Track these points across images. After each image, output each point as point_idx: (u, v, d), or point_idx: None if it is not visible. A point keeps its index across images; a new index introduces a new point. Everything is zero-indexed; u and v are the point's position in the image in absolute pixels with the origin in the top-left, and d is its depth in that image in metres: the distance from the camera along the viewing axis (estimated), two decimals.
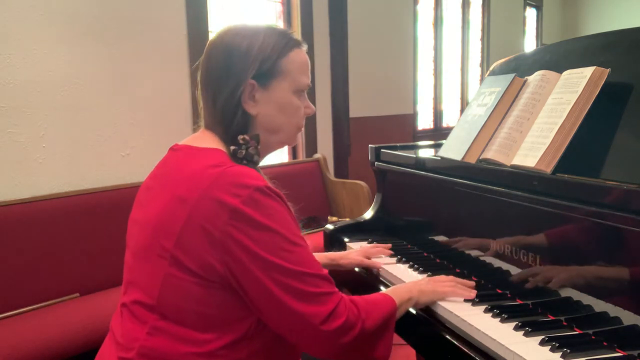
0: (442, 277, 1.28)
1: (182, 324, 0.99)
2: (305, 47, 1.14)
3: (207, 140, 1.09)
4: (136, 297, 1.03)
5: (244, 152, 1.05)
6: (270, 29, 1.10)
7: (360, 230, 1.82)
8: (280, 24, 3.86)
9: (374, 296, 1.13)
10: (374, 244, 1.65)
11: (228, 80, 1.06)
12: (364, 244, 1.71)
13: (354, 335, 1.01)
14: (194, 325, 0.99)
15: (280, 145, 1.18)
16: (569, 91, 1.18)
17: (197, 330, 0.99)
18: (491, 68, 1.68)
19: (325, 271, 1.04)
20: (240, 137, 1.06)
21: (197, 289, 0.98)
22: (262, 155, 1.13)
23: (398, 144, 1.89)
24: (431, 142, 2.16)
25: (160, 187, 1.07)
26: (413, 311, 1.21)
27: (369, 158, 1.89)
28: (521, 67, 1.52)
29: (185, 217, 0.97)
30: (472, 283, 1.26)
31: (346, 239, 1.77)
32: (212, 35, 1.14)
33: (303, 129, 1.21)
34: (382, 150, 1.85)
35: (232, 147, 1.06)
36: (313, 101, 1.20)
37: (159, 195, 1.05)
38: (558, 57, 1.41)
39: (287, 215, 1.02)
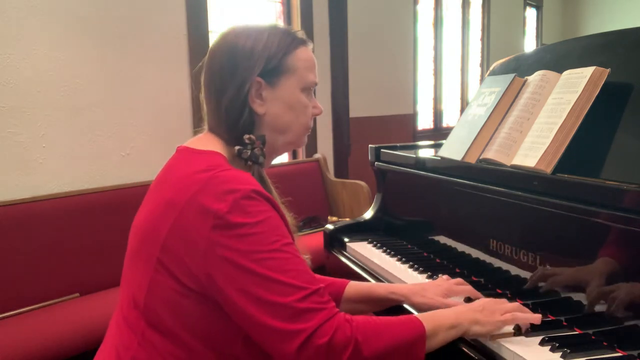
0: (501, 301, 1.07)
1: (168, 338, 0.96)
2: (311, 45, 1.12)
3: (208, 142, 1.06)
4: (128, 302, 1.02)
5: (249, 152, 1.03)
6: (274, 27, 1.09)
7: (360, 230, 1.82)
8: (281, 24, 3.86)
9: (395, 317, 0.99)
10: (459, 280, 1.24)
11: (233, 80, 1.04)
12: (364, 243, 1.71)
13: None
14: (180, 340, 0.96)
15: (287, 146, 1.14)
16: (569, 91, 1.18)
17: (184, 346, 0.96)
18: (491, 68, 1.69)
19: (316, 284, 0.94)
20: (246, 136, 1.04)
21: (180, 298, 0.95)
22: (268, 158, 1.11)
23: (398, 144, 1.89)
24: (431, 142, 2.16)
25: (155, 190, 1.06)
26: (407, 307, 1.21)
27: (369, 158, 1.89)
28: (521, 67, 1.52)
29: (171, 222, 0.95)
30: (538, 316, 1.03)
31: (346, 239, 1.78)
32: (212, 36, 1.12)
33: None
34: (382, 150, 1.85)
35: (237, 147, 1.03)
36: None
37: (153, 199, 1.04)
38: (558, 57, 1.41)
39: (276, 222, 0.96)
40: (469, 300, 1.18)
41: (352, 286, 1.28)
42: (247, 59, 1.04)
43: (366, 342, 0.92)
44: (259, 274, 0.90)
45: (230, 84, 1.04)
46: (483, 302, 1.07)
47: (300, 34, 1.12)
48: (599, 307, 1.02)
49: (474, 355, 1.02)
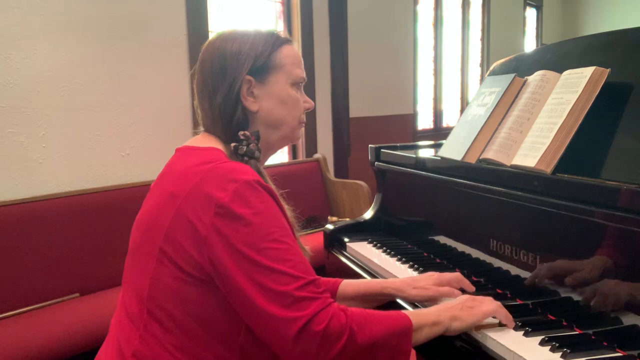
0: (481, 298, 1.10)
1: (171, 329, 0.98)
2: (295, 44, 1.17)
3: (206, 140, 1.10)
4: (130, 298, 1.04)
5: (244, 148, 1.06)
6: (259, 30, 1.14)
7: (360, 230, 1.82)
8: (280, 24, 3.87)
9: (384, 311, 1.02)
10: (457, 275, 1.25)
11: (224, 80, 1.08)
12: (364, 243, 1.71)
13: (338, 349, 0.92)
14: (183, 330, 0.98)
15: (282, 141, 1.17)
16: (569, 91, 1.18)
17: (187, 336, 0.98)
18: (491, 68, 1.68)
19: (312, 274, 0.97)
20: (240, 133, 1.07)
21: (183, 286, 0.97)
22: (264, 154, 1.14)
23: (398, 144, 1.89)
24: (431, 142, 2.16)
25: (156, 187, 1.09)
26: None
27: (369, 158, 1.89)
28: (521, 67, 1.52)
29: (174, 211, 0.98)
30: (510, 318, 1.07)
31: (346, 239, 1.77)
32: (212, 36, 1.15)
33: (303, 127, 1.20)
34: (382, 150, 1.85)
35: (232, 144, 1.07)
36: (313, 101, 1.20)
37: (154, 196, 1.07)
38: (558, 57, 1.41)
39: (275, 212, 0.99)
40: (463, 292, 1.21)
41: (346, 284, 1.31)
42: (235, 59, 1.08)
43: (360, 331, 0.95)
44: (259, 263, 0.93)
45: (221, 84, 1.08)
46: (462, 300, 1.10)
47: (284, 33, 1.16)
48: (599, 307, 1.02)
49: (473, 354, 1.03)
